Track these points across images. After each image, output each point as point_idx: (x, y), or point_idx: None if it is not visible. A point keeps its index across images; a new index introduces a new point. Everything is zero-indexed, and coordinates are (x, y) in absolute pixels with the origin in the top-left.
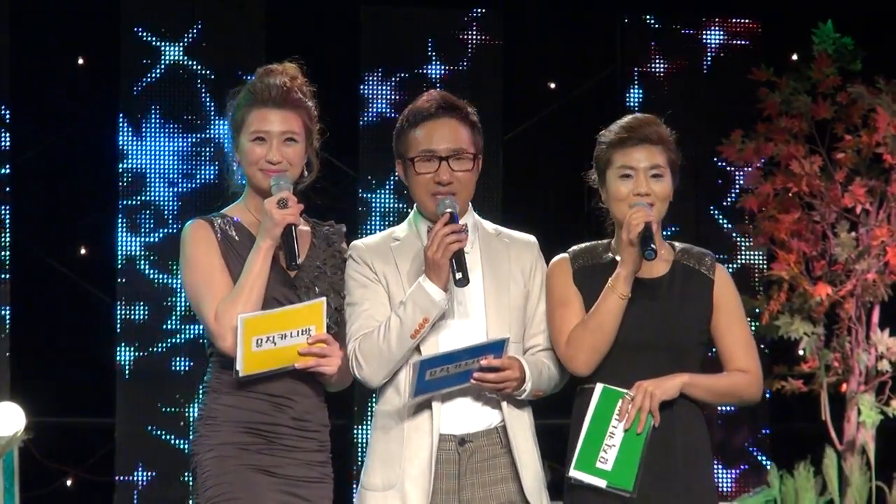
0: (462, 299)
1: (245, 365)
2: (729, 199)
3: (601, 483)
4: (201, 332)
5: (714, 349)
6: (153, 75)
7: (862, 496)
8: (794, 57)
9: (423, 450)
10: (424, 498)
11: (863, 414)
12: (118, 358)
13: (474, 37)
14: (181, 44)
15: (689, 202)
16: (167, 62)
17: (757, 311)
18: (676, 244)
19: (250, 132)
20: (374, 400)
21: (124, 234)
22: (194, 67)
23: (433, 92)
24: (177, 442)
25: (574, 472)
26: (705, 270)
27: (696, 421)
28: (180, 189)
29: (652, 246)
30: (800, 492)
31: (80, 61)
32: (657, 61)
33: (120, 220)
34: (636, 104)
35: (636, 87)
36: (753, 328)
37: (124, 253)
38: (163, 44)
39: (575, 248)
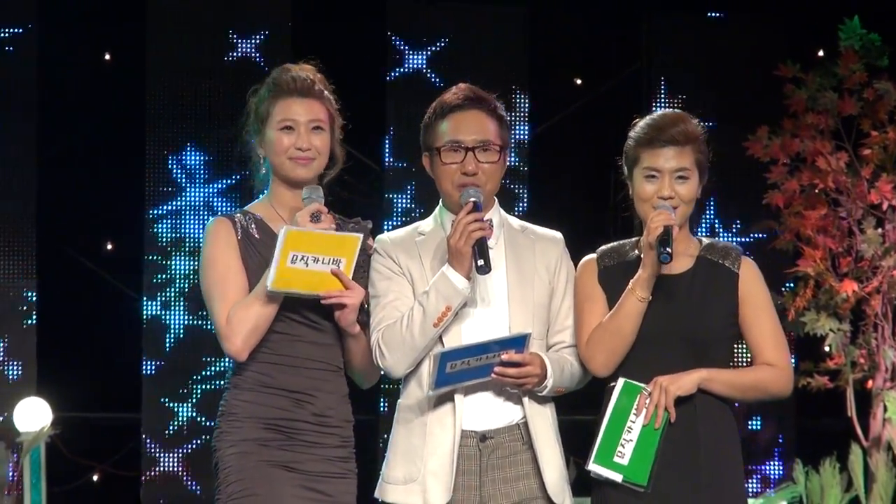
0: (485, 294)
1: (276, 279)
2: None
3: (617, 477)
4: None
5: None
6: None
7: (888, 492)
8: (821, 53)
9: (444, 445)
10: (445, 492)
11: (889, 410)
12: (144, 354)
13: (502, 34)
14: (204, 43)
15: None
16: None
17: (783, 306)
18: (704, 239)
19: (277, 121)
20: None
21: (151, 229)
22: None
23: (461, 85)
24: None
25: (593, 466)
26: (730, 264)
27: (722, 418)
28: (207, 187)
29: (667, 250)
30: (825, 488)
31: (107, 57)
32: (682, 58)
33: (147, 216)
34: (661, 102)
35: (662, 84)
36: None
37: (151, 248)
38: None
39: (603, 247)
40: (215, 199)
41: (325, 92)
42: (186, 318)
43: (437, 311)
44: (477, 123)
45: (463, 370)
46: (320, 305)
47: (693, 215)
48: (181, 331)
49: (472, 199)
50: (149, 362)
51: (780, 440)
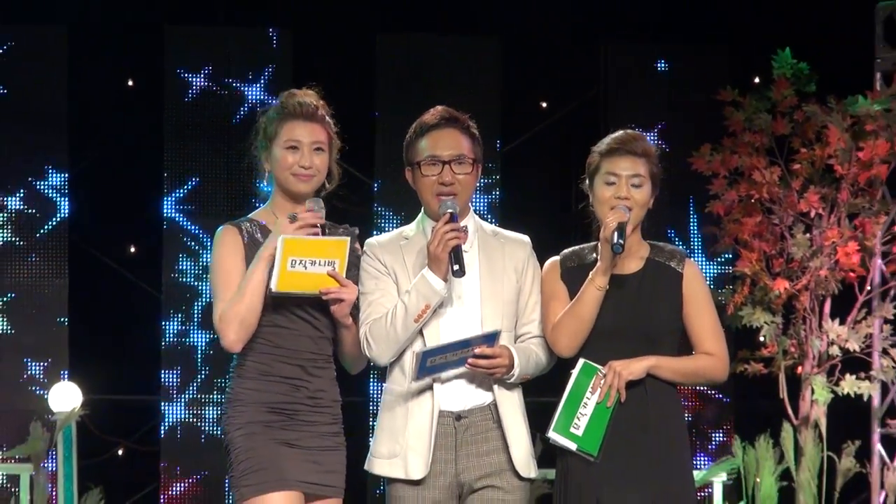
0: (461, 292)
1: (279, 282)
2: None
3: (572, 446)
4: None
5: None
6: (189, 98)
7: (815, 465)
8: (757, 80)
9: (423, 425)
10: (424, 466)
11: (816, 393)
12: (163, 343)
13: (476, 61)
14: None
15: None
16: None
17: (723, 302)
18: (653, 243)
19: (283, 141)
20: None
21: (170, 235)
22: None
23: (438, 107)
24: (213, 418)
25: (552, 434)
26: (675, 265)
27: (669, 400)
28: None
29: (620, 241)
30: (760, 461)
31: (130, 83)
32: (635, 84)
33: (165, 223)
34: (617, 122)
35: (617, 107)
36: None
37: (171, 252)
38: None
39: (566, 251)
40: (224, 212)
41: (326, 117)
42: (199, 314)
43: (417, 308)
44: (452, 140)
45: (441, 363)
46: (317, 304)
47: (646, 225)
48: (193, 324)
49: (450, 211)
50: (166, 351)
51: (721, 419)
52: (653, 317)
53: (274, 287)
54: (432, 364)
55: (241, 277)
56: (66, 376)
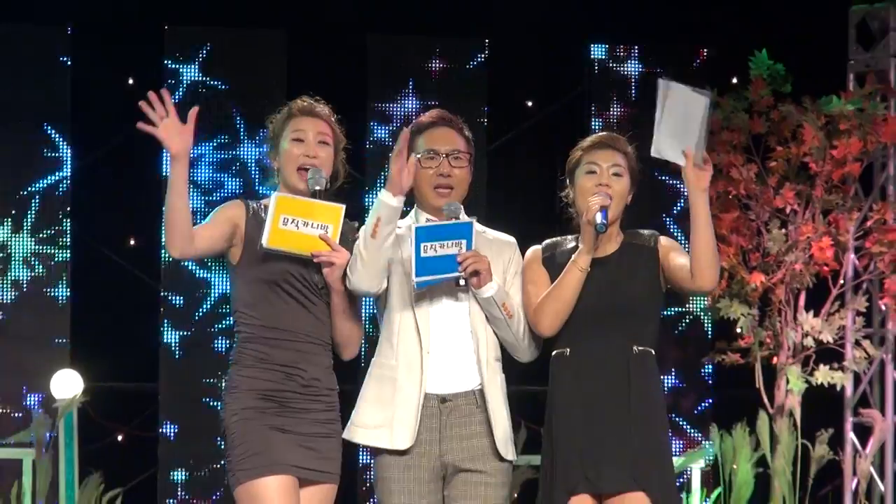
0: (451, 289)
1: (270, 238)
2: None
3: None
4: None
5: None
6: (184, 97)
7: (789, 452)
8: (734, 80)
9: (411, 400)
10: (410, 438)
11: (791, 383)
12: (161, 331)
13: (464, 61)
14: (199, 66)
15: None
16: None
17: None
18: (628, 231)
19: (289, 133)
20: None
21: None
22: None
23: (434, 110)
24: (211, 403)
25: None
26: (649, 242)
27: (651, 384)
28: (211, 197)
29: (603, 221)
30: (737, 448)
31: (130, 81)
32: (617, 84)
33: (163, 216)
34: (599, 120)
35: (600, 105)
36: (700, 310)
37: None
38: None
39: (547, 241)
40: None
41: (332, 118)
42: (196, 301)
43: (370, 224)
44: (448, 137)
45: (433, 258)
46: (311, 282)
47: (625, 220)
48: (192, 311)
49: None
50: (165, 339)
51: (699, 408)
52: (632, 290)
53: (265, 242)
54: (426, 254)
55: (210, 227)
56: (67, 364)
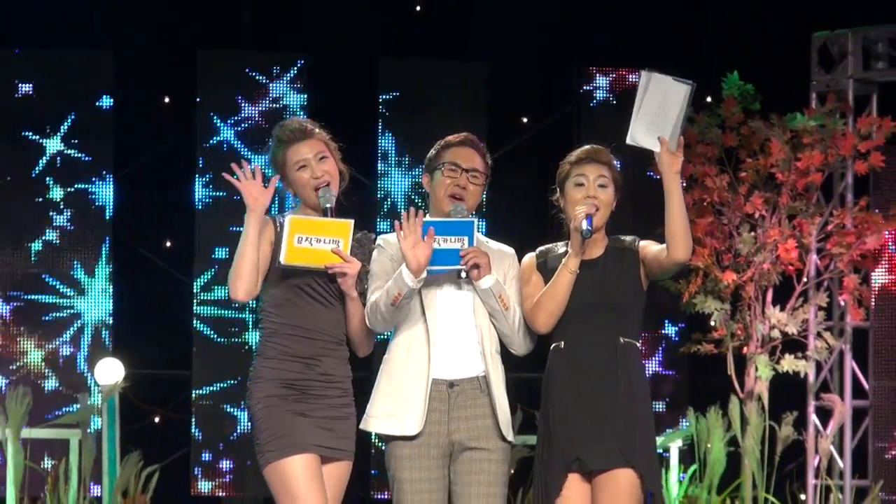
0: (459, 284)
1: (286, 255)
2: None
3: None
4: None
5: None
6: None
7: (758, 433)
8: (709, 99)
9: (419, 390)
10: (418, 424)
11: (759, 370)
12: (194, 324)
13: (466, 81)
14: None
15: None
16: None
17: (679, 291)
18: (611, 236)
19: (293, 164)
20: None
21: (200, 232)
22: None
23: (463, 132)
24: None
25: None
26: (631, 245)
27: (636, 369)
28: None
29: (589, 227)
30: (711, 429)
31: (166, 100)
32: (603, 102)
33: (196, 220)
34: (587, 135)
35: (588, 122)
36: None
37: (200, 245)
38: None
39: (541, 248)
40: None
41: (317, 130)
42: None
43: (392, 294)
44: (470, 156)
45: (438, 250)
46: (330, 287)
47: (611, 226)
48: (221, 308)
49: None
50: (197, 330)
51: (678, 392)
52: (618, 288)
53: (282, 259)
54: (434, 246)
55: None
56: (110, 353)
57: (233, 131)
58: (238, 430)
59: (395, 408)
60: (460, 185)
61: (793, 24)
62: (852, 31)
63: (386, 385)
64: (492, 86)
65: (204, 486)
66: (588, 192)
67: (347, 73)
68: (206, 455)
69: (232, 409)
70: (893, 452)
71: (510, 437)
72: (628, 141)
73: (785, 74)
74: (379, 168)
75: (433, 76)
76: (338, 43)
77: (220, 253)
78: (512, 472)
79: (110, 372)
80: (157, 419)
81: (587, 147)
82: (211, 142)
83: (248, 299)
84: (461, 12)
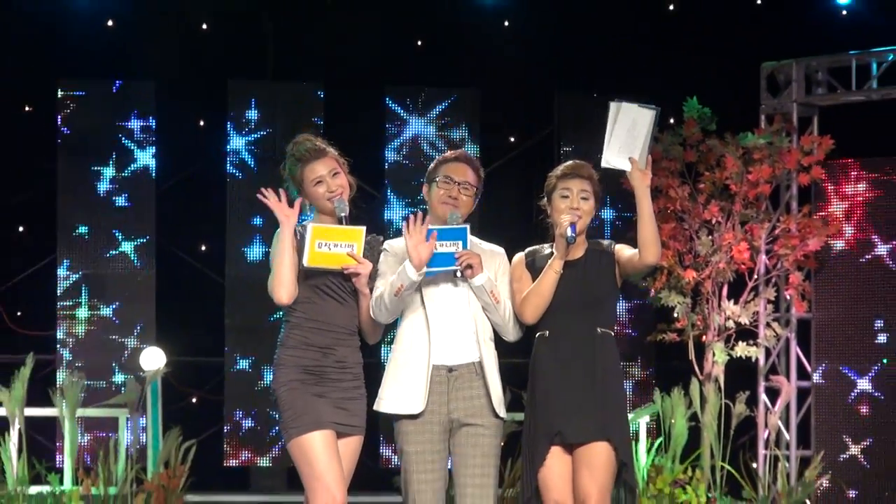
0: (456, 281)
1: (309, 258)
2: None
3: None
4: None
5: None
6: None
7: (715, 410)
8: (672, 121)
9: (421, 374)
10: (420, 403)
11: (716, 356)
12: (226, 318)
13: (461, 105)
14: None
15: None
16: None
17: (646, 287)
18: (590, 240)
19: (310, 181)
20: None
21: (231, 237)
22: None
23: (459, 149)
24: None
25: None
26: (607, 248)
27: (612, 355)
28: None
29: (572, 234)
30: (674, 407)
31: (201, 123)
32: (579, 123)
33: (227, 228)
34: (566, 153)
35: (566, 141)
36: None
37: (232, 250)
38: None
39: (528, 248)
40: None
41: (328, 148)
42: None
43: (394, 287)
44: (463, 171)
45: (437, 253)
46: (345, 286)
47: (592, 231)
48: (252, 302)
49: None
50: (230, 323)
51: (645, 375)
52: (596, 286)
53: (305, 262)
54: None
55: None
56: (153, 342)
57: (252, 149)
58: (265, 412)
59: (401, 391)
60: (452, 195)
61: (744, 55)
62: (796, 61)
63: (393, 371)
64: (483, 108)
65: (233, 460)
66: (572, 204)
67: (356, 98)
68: (237, 430)
69: (260, 391)
70: (831, 425)
71: (502, 414)
72: (602, 164)
73: (737, 99)
74: (386, 180)
75: (433, 100)
76: (349, 73)
77: (252, 253)
78: (503, 444)
79: (154, 359)
80: (194, 400)
81: (571, 163)
82: (237, 158)
83: (291, 301)
84: (456, 46)
